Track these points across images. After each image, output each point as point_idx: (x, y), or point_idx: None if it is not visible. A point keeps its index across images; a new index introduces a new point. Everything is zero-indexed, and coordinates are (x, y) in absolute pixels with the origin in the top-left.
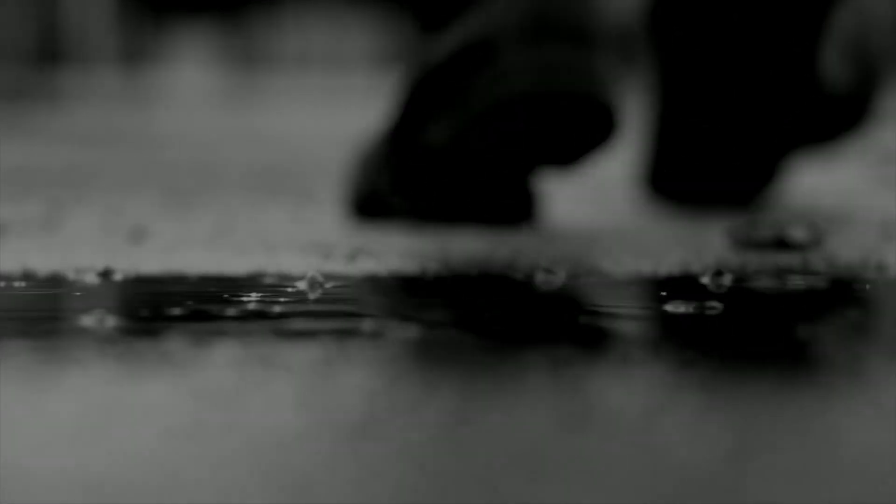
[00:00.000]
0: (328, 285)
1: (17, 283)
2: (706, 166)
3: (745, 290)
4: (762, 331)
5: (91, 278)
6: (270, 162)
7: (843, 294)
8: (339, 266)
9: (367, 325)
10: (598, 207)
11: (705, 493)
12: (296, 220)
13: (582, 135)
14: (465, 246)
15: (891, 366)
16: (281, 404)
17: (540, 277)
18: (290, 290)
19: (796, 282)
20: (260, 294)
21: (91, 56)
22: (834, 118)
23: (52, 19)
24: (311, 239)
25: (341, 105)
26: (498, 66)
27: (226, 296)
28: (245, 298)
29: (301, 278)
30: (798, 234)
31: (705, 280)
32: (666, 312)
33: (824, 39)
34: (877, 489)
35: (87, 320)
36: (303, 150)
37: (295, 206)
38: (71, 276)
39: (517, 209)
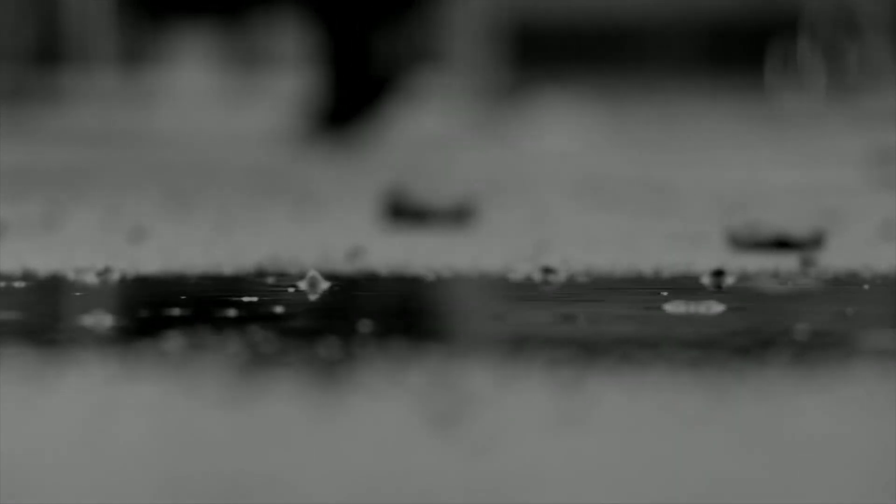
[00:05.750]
0: (328, 285)
1: (16, 283)
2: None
3: (745, 290)
4: (762, 331)
5: (91, 278)
6: (271, 162)
7: (843, 294)
8: (339, 266)
9: (365, 325)
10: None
11: (705, 492)
12: (296, 220)
13: None
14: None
15: (889, 365)
16: (280, 403)
17: (541, 277)
18: (290, 290)
19: (796, 282)
20: (260, 294)
21: (91, 56)
22: None
23: (52, 19)
24: (310, 239)
25: None
26: None
27: (226, 296)
28: (245, 298)
29: (301, 278)
30: (798, 234)
31: (705, 280)
32: (666, 312)
33: None
34: (876, 487)
35: (87, 320)
36: (302, 149)
37: (295, 206)
38: (71, 276)
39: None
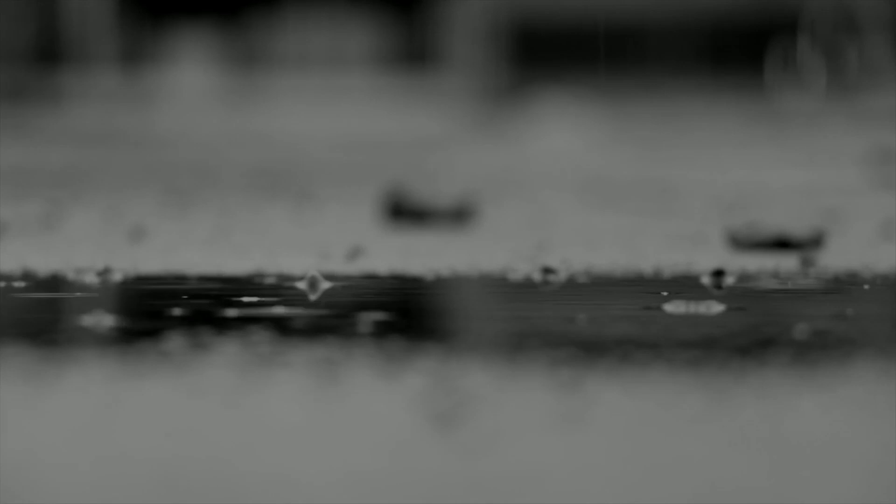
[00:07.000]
0: (328, 285)
1: (16, 283)
2: None
3: (746, 290)
4: (762, 331)
5: (91, 278)
6: (270, 162)
7: (843, 294)
8: (339, 266)
9: (365, 324)
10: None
11: (705, 491)
12: (296, 220)
13: None
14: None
15: (888, 365)
16: (280, 403)
17: (541, 277)
18: (290, 290)
19: (796, 282)
20: (260, 294)
21: (91, 56)
22: None
23: (52, 19)
24: (310, 239)
25: (341, 105)
26: None
27: (226, 296)
28: (245, 298)
29: (301, 278)
30: (798, 234)
31: (705, 280)
32: (666, 312)
33: None
34: (876, 487)
35: (87, 320)
36: (303, 150)
37: (295, 206)
38: (71, 276)
39: None
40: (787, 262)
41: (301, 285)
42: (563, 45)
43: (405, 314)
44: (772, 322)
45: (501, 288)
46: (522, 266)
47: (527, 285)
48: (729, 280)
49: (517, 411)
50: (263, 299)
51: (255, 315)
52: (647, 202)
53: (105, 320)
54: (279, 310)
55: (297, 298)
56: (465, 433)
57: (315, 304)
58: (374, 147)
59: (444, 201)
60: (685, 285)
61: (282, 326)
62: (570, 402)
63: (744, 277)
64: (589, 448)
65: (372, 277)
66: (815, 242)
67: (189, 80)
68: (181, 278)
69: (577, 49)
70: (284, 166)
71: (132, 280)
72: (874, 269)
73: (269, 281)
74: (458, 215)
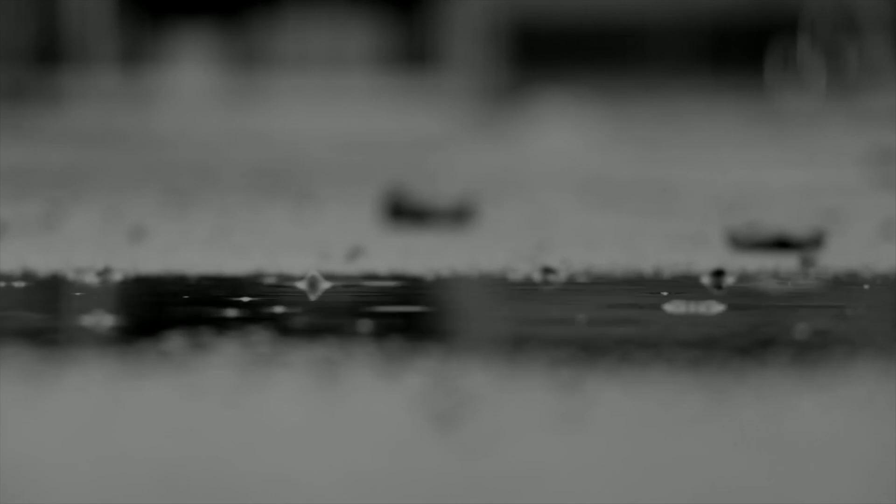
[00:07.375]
0: (328, 285)
1: (16, 283)
2: None
3: (746, 290)
4: (762, 331)
5: (91, 278)
6: (270, 162)
7: (843, 294)
8: (338, 266)
9: (365, 324)
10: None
11: (705, 491)
12: (296, 220)
13: None
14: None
15: (889, 365)
16: (280, 403)
17: (541, 277)
18: (290, 290)
19: (796, 282)
20: (260, 294)
21: (91, 56)
22: None
23: (52, 19)
24: (310, 239)
25: (341, 105)
26: None
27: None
28: (245, 298)
29: (301, 278)
30: (798, 234)
31: (705, 280)
32: (666, 312)
33: None
34: (876, 487)
35: (87, 320)
36: (303, 150)
37: (295, 206)
38: (71, 276)
39: None
40: (787, 262)
41: (301, 285)
42: (563, 45)
43: (405, 314)
44: (772, 322)
45: (501, 288)
46: (522, 266)
47: (527, 285)
48: (729, 280)
49: (517, 411)
50: (263, 299)
51: (255, 315)
52: (647, 202)
53: (105, 320)
54: (279, 309)
55: (297, 298)
56: (465, 433)
57: (315, 304)
58: (373, 147)
59: (444, 201)
60: (685, 285)
61: (282, 326)
62: (570, 402)
63: (744, 277)
64: (589, 448)
65: (372, 277)
66: (815, 242)
67: (189, 80)
68: (181, 278)
69: (577, 49)
70: (284, 166)
71: (132, 280)
72: (874, 269)
73: (269, 281)
74: (458, 215)
